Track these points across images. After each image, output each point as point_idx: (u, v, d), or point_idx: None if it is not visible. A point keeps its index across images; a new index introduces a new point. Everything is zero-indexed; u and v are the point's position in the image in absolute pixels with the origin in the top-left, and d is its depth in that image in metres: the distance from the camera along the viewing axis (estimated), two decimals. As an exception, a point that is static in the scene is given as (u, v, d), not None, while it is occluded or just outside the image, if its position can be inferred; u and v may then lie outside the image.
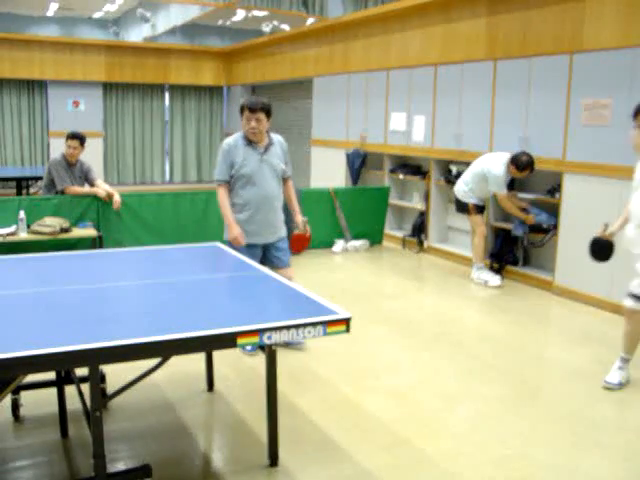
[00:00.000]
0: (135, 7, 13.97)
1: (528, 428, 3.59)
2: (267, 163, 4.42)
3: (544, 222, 6.57)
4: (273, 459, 3.11)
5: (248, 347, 4.42)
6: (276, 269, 4.37)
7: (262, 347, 3.02)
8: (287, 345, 4.58)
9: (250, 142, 4.40)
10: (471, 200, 6.70)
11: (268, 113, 4.36)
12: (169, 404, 3.77)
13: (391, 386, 4.10)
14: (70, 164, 6.60)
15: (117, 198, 6.69)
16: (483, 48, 7.21)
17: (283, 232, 4.63)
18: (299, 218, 4.70)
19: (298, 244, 4.36)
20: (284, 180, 4.62)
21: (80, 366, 2.60)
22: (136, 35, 14.87)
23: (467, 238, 7.64)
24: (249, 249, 4.42)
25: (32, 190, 10.92)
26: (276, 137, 4.54)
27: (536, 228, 6.69)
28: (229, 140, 4.47)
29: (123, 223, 6.89)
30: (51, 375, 3.37)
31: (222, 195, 4.45)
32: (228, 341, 2.57)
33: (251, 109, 4.29)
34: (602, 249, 4.24)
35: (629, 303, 4.03)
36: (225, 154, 4.43)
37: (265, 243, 4.53)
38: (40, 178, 8.80)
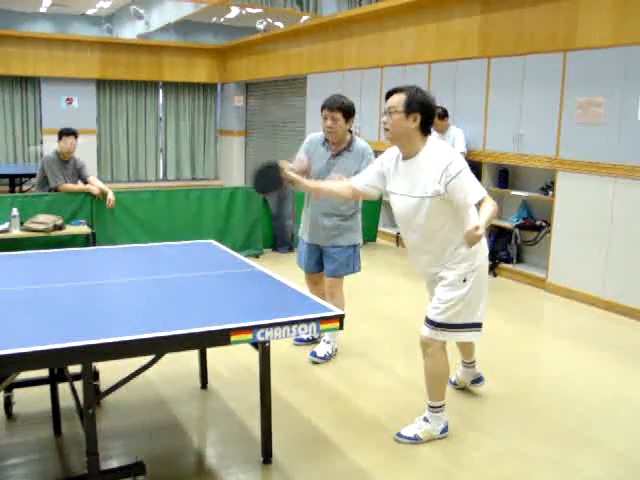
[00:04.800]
0: (129, 4, 13.91)
1: (522, 425, 3.60)
2: (332, 167, 4.20)
3: None
4: (267, 456, 3.11)
5: (321, 355, 4.41)
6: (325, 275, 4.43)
7: (255, 344, 3.01)
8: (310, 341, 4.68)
9: (326, 142, 4.28)
10: None
11: (347, 114, 4.15)
12: (163, 401, 3.77)
13: (384, 384, 4.10)
14: (63, 161, 6.57)
15: (111, 196, 6.65)
16: (477, 46, 7.22)
17: (341, 240, 4.30)
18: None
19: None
20: None
21: (73, 363, 2.60)
22: (130, 32, 14.80)
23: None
24: (301, 243, 4.53)
25: (25, 187, 10.88)
26: (361, 145, 4.26)
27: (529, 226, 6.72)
28: (315, 134, 4.40)
29: (117, 220, 6.86)
30: (44, 373, 3.36)
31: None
32: (222, 338, 2.57)
33: (329, 107, 4.15)
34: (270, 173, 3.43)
35: None
36: (305, 144, 4.39)
37: (316, 244, 4.39)
38: (33, 175, 8.78)
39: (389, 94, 3.23)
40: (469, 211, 3.13)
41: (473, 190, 3.06)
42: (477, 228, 2.84)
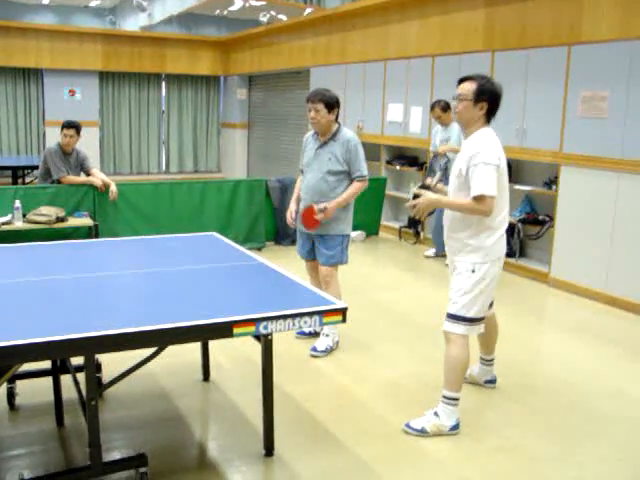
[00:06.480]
0: (132, -4, 13.88)
1: (523, 419, 3.60)
2: (319, 157, 4.34)
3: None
4: (268, 449, 3.12)
5: (321, 348, 4.43)
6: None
7: (257, 337, 3.02)
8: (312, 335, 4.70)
9: (316, 134, 4.41)
10: None
11: (328, 105, 4.23)
12: (165, 393, 3.77)
13: (386, 377, 4.11)
14: (66, 153, 6.57)
15: (113, 188, 6.67)
16: (481, 39, 7.19)
17: (329, 230, 4.36)
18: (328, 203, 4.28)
19: (305, 215, 4.37)
20: (352, 180, 4.33)
21: (76, 355, 2.61)
22: (133, 24, 14.76)
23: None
24: (298, 234, 4.60)
25: (28, 179, 10.88)
26: (346, 135, 4.31)
27: (532, 220, 6.71)
28: (311, 131, 4.50)
29: (119, 213, 6.86)
30: (47, 364, 3.37)
31: (297, 181, 4.63)
32: (224, 330, 2.58)
33: (311, 100, 4.27)
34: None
35: None
36: (303, 143, 4.56)
37: (307, 232, 4.47)
38: (36, 167, 8.77)
39: (460, 81, 3.36)
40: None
41: (479, 185, 3.17)
42: (426, 199, 3.34)
